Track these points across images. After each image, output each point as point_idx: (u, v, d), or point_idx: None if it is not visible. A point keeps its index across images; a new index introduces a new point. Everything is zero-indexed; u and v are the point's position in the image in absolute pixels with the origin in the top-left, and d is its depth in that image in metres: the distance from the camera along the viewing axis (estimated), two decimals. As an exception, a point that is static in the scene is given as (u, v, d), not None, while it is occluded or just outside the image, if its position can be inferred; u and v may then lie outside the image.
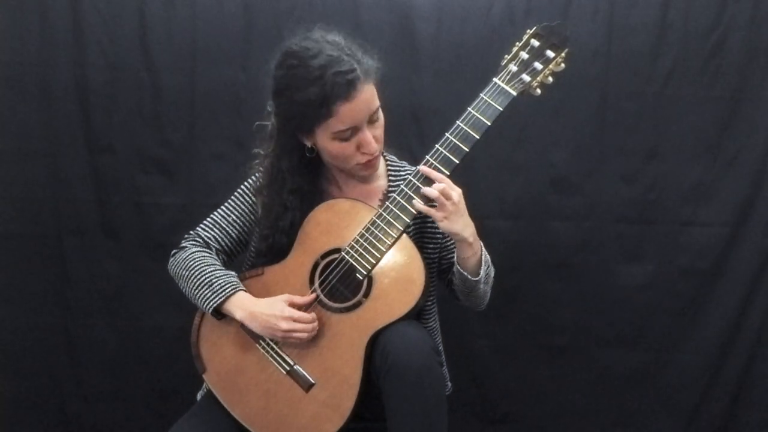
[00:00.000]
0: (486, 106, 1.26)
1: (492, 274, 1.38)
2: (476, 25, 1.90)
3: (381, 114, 1.30)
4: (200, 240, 1.40)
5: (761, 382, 1.98)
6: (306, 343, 1.27)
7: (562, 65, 1.28)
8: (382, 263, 1.25)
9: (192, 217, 1.48)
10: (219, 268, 1.34)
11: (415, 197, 1.26)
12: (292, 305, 1.27)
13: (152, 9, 1.89)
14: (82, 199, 1.95)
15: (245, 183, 1.42)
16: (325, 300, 1.29)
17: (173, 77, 1.92)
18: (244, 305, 1.28)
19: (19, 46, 1.90)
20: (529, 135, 1.93)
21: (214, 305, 1.28)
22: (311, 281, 1.30)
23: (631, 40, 1.89)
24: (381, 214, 1.27)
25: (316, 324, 1.26)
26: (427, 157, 1.27)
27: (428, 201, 1.25)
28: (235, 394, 1.32)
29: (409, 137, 1.91)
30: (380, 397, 1.21)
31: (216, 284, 1.29)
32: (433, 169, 1.26)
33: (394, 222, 1.26)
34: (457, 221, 1.24)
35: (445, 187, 1.24)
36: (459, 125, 1.26)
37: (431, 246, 1.40)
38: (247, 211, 1.40)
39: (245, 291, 1.31)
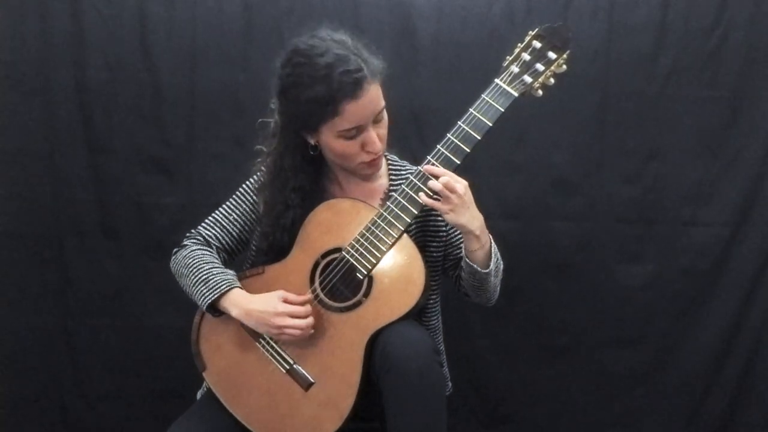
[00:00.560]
0: (487, 106, 1.26)
1: (501, 267, 1.37)
2: (476, 25, 1.90)
3: (385, 114, 1.30)
4: (201, 238, 1.40)
5: (761, 382, 1.98)
6: (306, 342, 1.28)
7: (564, 67, 1.28)
8: (382, 263, 1.25)
9: (192, 217, 1.48)
10: (217, 265, 1.34)
11: (417, 196, 1.26)
12: (287, 302, 1.27)
13: (152, 9, 1.89)
14: (82, 199, 1.95)
15: (247, 182, 1.43)
16: (325, 299, 1.29)
17: (173, 77, 1.92)
18: (239, 302, 1.29)
19: (19, 46, 1.90)
20: (530, 135, 1.93)
21: (209, 301, 1.29)
22: (311, 280, 1.30)
23: (631, 40, 1.89)
24: (382, 214, 1.27)
25: (311, 320, 1.26)
26: (429, 157, 1.27)
27: (433, 194, 1.25)
28: (234, 392, 1.33)
29: (409, 137, 1.91)
30: (380, 397, 1.20)
31: (212, 281, 1.30)
32: None
33: (395, 222, 1.26)
34: (464, 213, 1.24)
35: (449, 179, 1.23)
36: (460, 125, 1.26)
37: (434, 244, 1.40)
38: (248, 209, 1.40)
39: (241, 288, 1.31)
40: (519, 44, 1.30)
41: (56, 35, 1.90)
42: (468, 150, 1.25)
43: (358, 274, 1.26)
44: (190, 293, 1.34)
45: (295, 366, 1.28)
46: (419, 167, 1.28)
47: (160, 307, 1.97)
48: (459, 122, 1.26)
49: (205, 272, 1.31)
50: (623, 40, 1.89)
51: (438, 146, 1.27)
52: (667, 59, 1.90)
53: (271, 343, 1.30)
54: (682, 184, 1.94)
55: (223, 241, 1.41)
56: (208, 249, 1.39)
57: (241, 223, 1.41)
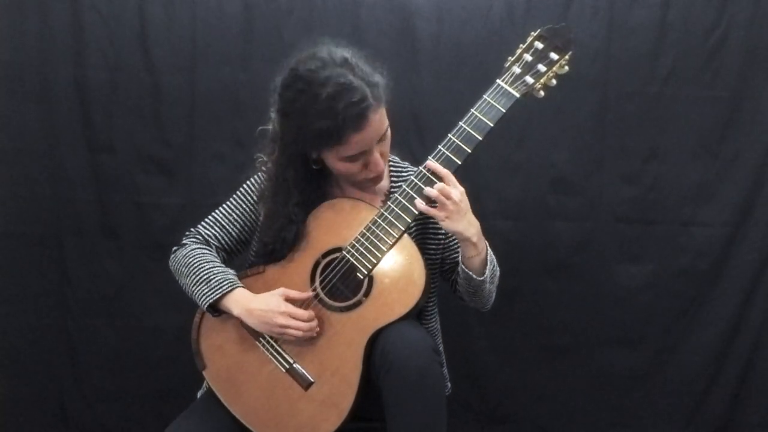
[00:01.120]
0: (489, 107, 1.26)
1: (498, 274, 1.37)
2: (476, 25, 1.90)
3: (389, 130, 1.29)
4: (201, 237, 1.40)
5: (761, 382, 1.98)
6: (305, 342, 1.28)
7: (566, 68, 1.28)
8: (382, 263, 1.25)
9: (192, 217, 1.48)
10: (218, 265, 1.34)
11: (416, 197, 1.26)
12: (288, 299, 1.27)
13: (152, 9, 1.89)
14: (82, 199, 1.95)
15: (247, 182, 1.42)
16: (325, 299, 1.29)
17: (173, 77, 1.92)
18: (240, 302, 1.29)
19: (19, 46, 1.90)
20: (530, 135, 1.93)
21: (211, 301, 1.28)
22: (312, 280, 1.30)
23: (631, 40, 1.89)
24: (382, 214, 1.27)
25: (314, 323, 1.26)
26: (430, 157, 1.27)
27: (430, 201, 1.25)
28: (234, 391, 1.33)
29: (409, 137, 1.91)
30: (380, 396, 1.20)
31: (214, 281, 1.30)
32: None
33: (396, 222, 1.26)
34: (460, 221, 1.24)
35: (444, 186, 1.23)
36: (462, 126, 1.26)
37: (433, 246, 1.40)
38: (248, 210, 1.40)
39: (242, 287, 1.31)
40: (521, 45, 1.30)
41: (56, 35, 1.90)
42: (469, 150, 1.25)
43: (358, 274, 1.26)
44: (190, 293, 1.33)
45: (294, 365, 1.28)
46: (420, 167, 1.28)
47: (160, 307, 1.97)
48: (460, 122, 1.27)
49: (206, 271, 1.31)
50: (623, 40, 1.89)
51: (439, 146, 1.27)
52: (667, 59, 1.90)
53: (271, 342, 1.31)
54: (682, 184, 1.95)
55: (223, 241, 1.41)
56: (208, 248, 1.39)
57: (241, 223, 1.41)
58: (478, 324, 1.99)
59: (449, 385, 1.48)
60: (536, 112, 1.88)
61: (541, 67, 1.27)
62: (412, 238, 1.32)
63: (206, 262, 1.33)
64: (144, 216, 1.96)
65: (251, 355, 1.32)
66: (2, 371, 2.01)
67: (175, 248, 1.41)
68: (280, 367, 1.29)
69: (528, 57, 1.28)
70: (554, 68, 1.27)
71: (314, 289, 1.30)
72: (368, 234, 1.27)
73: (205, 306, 1.30)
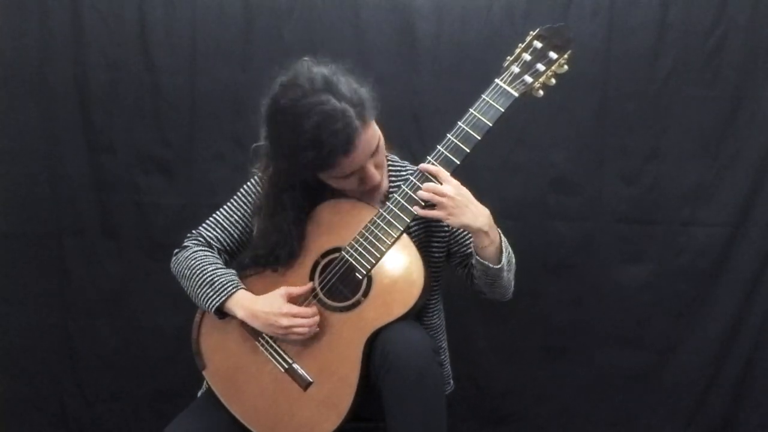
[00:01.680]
0: (488, 107, 1.26)
1: (513, 261, 1.36)
2: (476, 25, 1.90)
3: (382, 141, 1.28)
4: (202, 239, 1.40)
5: (761, 382, 1.98)
6: (305, 342, 1.28)
7: (565, 67, 1.28)
8: (381, 263, 1.25)
9: (192, 217, 1.49)
10: (220, 267, 1.34)
11: (416, 197, 1.25)
12: (290, 299, 1.27)
13: (152, 9, 1.89)
14: (82, 199, 1.95)
15: (247, 183, 1.42)
16: (324, 299, 1.29)
17: (173, 77, 1.92)
18: (244, 304, 1.28)
19: (19, 46, 1.90)
20: (530, 135, 1.93)
21: (216, 304, 1.28)
22: (311, 280, 1.30)
23: (631, 40, 1.89)
24: (381, 214, 1.27)
25: (317, 318, 1.26)
26: (429, 157, 1.27)
27: (426, 203, 1.25)
28: (233, 391, 1.33)
29: (409, 137, 1.91)
30: (380, 396, 1.20)
31: (218, 283, 1.30)
32: None
33: (395, 222, 1.26)
34: (464, 213, 1.23)
35: (433, 185, 1.23)
36: (460, 126, 1.26)
37: (436, 244, 1.40)
38: (249, 211, 1.40)
39: (244, 289, 1.31)
40: (520, 44, 1.30)
41: (56, 35, 1.90)
42: (468, 150, 1.25)
43: (357, 274, 1.26)
44: (194, 295, 1.33)
45: (293, 365, 1.28)
46: (419, 167, 1.28)
47: (159, 307, 1.97)
48: (459, 122, 1.26)
49: (209, 274, 1.31)
50: (623, 40, 1.89)
51: (438, 146, 1.27)
52: (667, 59, 1.90)
53: (270, 342, 1.31)
54: (682, 184, 1.94)
55: (224, 243, 1.40)
56: (210, 250, 1.39)
57: (243, 224, 1.40)
58: (478, 323, 1.99)
59: (451, 382, 1.49)
60: (536, 112, 1.87)
61: (540, 67, 1.27)
62: (415, 236, 1.33)
63: (209, 264, 1.33)
64: (144, 216, 1.96)
65: (252, 356, 1.32)
66: (2, 371, 2.01)
67: (176, 250, 1.40)
68: (279, 367, 1.29)
69: (527, 56, 1.28)
70: (553, 67, 1.27)
71: (313, 289, 1.30)
72: (367, 234, 1.27)
73: (211, 310, 1.30)
